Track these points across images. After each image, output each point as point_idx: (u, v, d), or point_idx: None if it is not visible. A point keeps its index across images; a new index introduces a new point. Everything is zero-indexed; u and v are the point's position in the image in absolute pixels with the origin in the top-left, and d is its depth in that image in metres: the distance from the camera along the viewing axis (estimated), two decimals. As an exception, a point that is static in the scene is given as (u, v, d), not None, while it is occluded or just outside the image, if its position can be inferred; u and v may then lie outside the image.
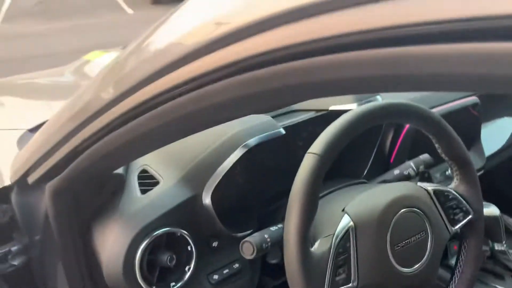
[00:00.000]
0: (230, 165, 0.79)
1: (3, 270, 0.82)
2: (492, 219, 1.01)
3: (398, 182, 0.84)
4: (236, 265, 0.85)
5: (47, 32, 7.44)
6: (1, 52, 6.34)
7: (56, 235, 0.79)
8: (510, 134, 1.40)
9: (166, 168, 0.83)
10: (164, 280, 0.77)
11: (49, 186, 0.72)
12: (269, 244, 0.72)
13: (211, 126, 0.58)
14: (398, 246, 0.70)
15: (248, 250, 0.71)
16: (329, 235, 0.67)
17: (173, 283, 0.78)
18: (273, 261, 0.84)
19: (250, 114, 0.73)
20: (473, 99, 1.19)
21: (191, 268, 0.79)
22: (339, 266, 0.67)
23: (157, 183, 0.82)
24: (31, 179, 0.74)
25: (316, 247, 0.66)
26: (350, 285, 0.67)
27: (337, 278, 0.66)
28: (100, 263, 0.77)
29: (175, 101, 0.47)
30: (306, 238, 0.64)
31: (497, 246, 1.07)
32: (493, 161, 1.29)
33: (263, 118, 0.85)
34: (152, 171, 0.84)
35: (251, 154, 0.81)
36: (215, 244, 0.83)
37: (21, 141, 0.99)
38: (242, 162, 0.81)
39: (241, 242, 0.72)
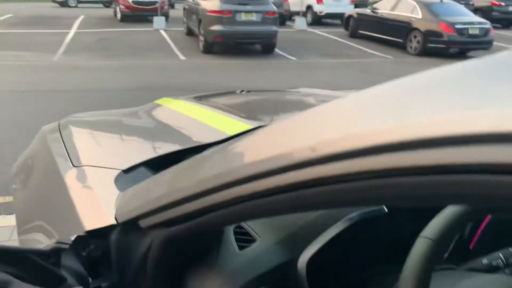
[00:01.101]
0: (332, 235, 0.82)
1: None
2: None
3: (497, 275, 0.84)
4: (318, 334, 0.85)
5: (104, 68, 7.87)
6: (55, 82, 6.72)
7: (152, 278, 0.82)
8: None
9: (263, 228, 0.86)
10: None
11: (164, 233, 0.76)
12: None
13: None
14: None
15: None
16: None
17: None
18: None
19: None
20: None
21: None
22: None
23: (253, 240, 0.85)
24: (144, 224, 0.79)
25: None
26: None
27: None
28: None
29: (310, 190, 0.50)
30: None
31: None
32: None
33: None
34: (248, 229, 0.87)
35: (353, 227, 0.84)
36: (300, 309, 0.84)
37: (119, 182, 1.05)
38: (343, 234, 0.84)
39: None
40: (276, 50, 9.94)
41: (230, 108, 1.86)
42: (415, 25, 10.46)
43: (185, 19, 11.52)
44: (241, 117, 1.61)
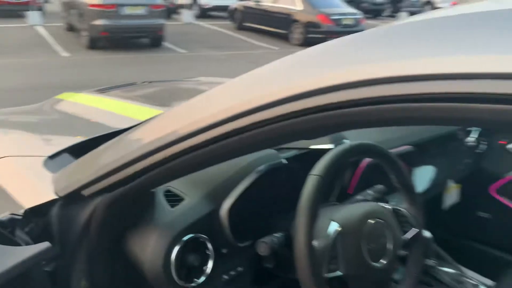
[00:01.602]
0: (246, 186, 1.02)
1: (39, 273, 0.95)
2: (425, 240, 1.32)
3: (365, 203, 1.11)
4: (240, 269, 1.05)
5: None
6: None
7: (95, 242, 0.95)
8: (428, 180, 1.76)
9: (189, 188, 1.03)
10: (189, 276, 0.96)
11: (106, 198, 0.89)
12: (277, 245, 0.95)
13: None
14: (370, 246, 0.96)
15: (264, 248, 0.93)
16: (324, 236, 0.92)
17: (195, 279, 0.97)
18: (268, 265, 1.06)
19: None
20: (407, 148, 1.53)
21: (208, 268, 0.99)
22: (332, 258, 0.91)
23: (181, 199, 1.02)
24: (88, 192, 0.91)
25: (316, 244, 0.90)
26: (339, 273, 0.91)
27: (331, 267, 0.91)
28: (140, 263, 0.94)
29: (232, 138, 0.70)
30: (311, 238, 0.88)
31: (428, 262, 1.37)
32: (423, 198, 1.63)
33: (269, 151, 1.10)
34: (175, 191, 1.04)
35: (262, 178, 1.05)
36: (225, 251, 1.03)
37: (48, 166, 1.14)
38: (255, 185, 1.04)
39: (258, 242, 0.94)
40: (165, 43, 9.91)
41: (136, 97, 1.97)
42: (296, 17, 11.16)
43: (64, 14, 10.88)
44: (149, 104, 1.74)
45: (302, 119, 0.60)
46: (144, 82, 2.34)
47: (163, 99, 2.02)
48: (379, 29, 0.65)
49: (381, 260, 0.98)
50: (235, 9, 13.12)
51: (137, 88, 2.26)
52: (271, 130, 0.64)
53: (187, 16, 13.89)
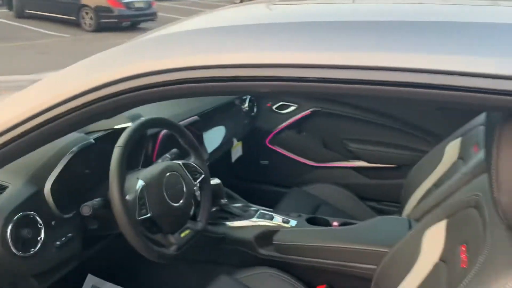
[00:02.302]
0: (62, 166, 1.24)
1: None
2: (216, 185, 1.73)
3: (163, 162, 1.44)
4: (69, 235, 1.28)
5: None
6: None
7: None
8: (217, 140, 2.20)
9: (11, 176, 1.20)
10: (26, 247, 1.15)
11: None
12: (97, 207, 1.21)
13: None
14: (169, 192, 1.31)
15: (87, 210, 1.18)
16: (133, 192, 1.22)
17: (32, 249, 1.16)
18: (93, 227, 1.32)
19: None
20: (194, 118, 1.92)
21: (42, 238, 1.19)
22: (141, 205, 1.22)
23: (5, 187, 1.18)
24: None
25: (128, 198, 1.20)
26: (148, 215, 1.23)
27: (141, 211, 1.22)
28: None
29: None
30: (123, 195, 1.17)
31: (222, 201, 1.80)
32: (215, 155, 2.05)
33: (78, 135, 1.33)
34: None
35: (75, 157, 1.27)
36: (53, 223, 1.24)
37: None
38: (70, 164, 1.26)
39: (81, 206, 1.19)
40: None
41: None
42: (84, 1, 10.68)
43: None
44: None
45: (105, 102, 0.87)
46: None
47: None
48: (158, 35, 0.93)
49: (180, 201, 1.34)
50: (12, -5, 11.82)
51: None
52: (81, 114, 0.89)
53: (-50, 4, 11.93)
